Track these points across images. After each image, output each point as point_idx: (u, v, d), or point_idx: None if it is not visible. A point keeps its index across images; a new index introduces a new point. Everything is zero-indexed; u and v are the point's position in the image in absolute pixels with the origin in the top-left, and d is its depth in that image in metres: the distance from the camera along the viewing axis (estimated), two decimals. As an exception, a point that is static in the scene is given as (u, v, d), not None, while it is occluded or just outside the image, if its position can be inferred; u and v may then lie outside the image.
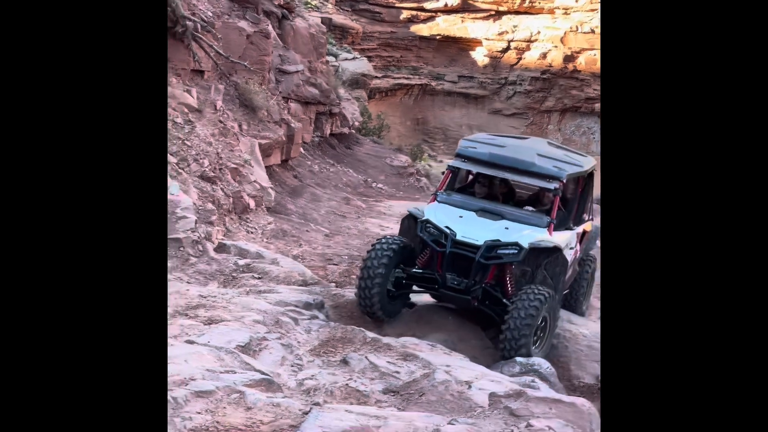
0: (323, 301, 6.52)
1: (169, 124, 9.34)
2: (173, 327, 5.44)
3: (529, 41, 26.42)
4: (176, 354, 4.73)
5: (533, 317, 5.72)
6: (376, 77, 22.62)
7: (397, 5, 26.00)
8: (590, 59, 25.07)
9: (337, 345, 5.75)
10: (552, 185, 6.25)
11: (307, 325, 5.93)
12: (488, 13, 26.74)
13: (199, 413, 3.98)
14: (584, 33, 25.24)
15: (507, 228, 6.08)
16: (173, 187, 8.21)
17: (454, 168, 6.85)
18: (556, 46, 25.86)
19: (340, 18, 22.46)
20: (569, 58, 26.11)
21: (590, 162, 7.24)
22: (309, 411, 4.12)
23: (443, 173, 7.21)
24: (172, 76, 10.34)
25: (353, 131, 16.99)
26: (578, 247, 7.09)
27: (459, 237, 5.95)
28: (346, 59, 18.29)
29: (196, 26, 10.14)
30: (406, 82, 26.41)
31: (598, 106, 23.62)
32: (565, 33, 25.69)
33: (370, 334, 6.18)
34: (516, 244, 5.94)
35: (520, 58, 27.35)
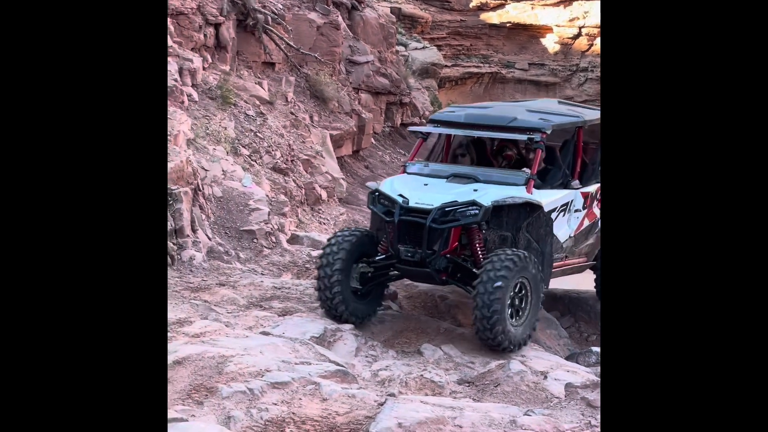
0: (396, 291, 6.63)
1: (241, 117, 9.74)
2: (248, 318, 5.72)
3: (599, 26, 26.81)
4: (251, 345, 4.95)
5: (502, 288, 5.27)
6: (446, 66, 23.34)
7: None
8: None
9: (411, 335, 5.91)
10: (534, 137, 5.89)
11: (381, 316, 6.05)
12: (559, 1, 27.55)
13: (275, 404, 4.21)
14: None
15: (476, 190, 5.70)
16: (246, 179, 8.50)
17: (423, 135, 6.58)
18: None
19: (409, 7, 23.22)
20: None
21: (592, 112, 6.80)
22: (384, 402, 4.32)
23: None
24: (243, 69, 10.80)
25: (424, 120, 17.32)
26: (596, 209, 6.64)
27: (411, 204, 5.62)
28: (416, 49, 18.76)
29: (266, 18, 10.65)
30: (476, 70, 26.99)
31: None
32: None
33: (444, 324, 6.23)
34: (474, 203, 5.53)
35: (591, 44, 27.44)
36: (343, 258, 5.68)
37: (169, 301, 6.19)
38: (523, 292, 5.48)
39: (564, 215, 6.14)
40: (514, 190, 5.72)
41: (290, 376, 4.45)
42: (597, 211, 6.60)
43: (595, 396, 4.50)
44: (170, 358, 4.58)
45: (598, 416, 4.34)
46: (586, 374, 4.96)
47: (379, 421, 4.02)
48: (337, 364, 4.72)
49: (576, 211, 6.31)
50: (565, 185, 6.19)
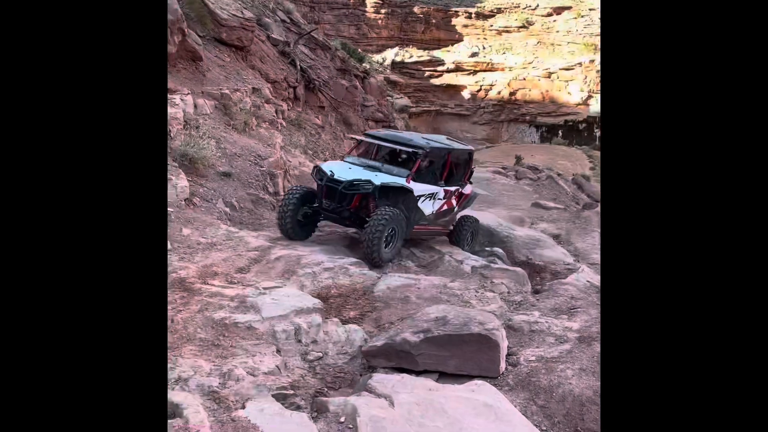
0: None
1: (307, 134, 14.89)
2: (312, 237, 8.28)
3: (491, 86, 48.13)
4: (314, 249, 7.20)
5: (381, 231, 7.17)
6: (412, 107, 39.40)
7: (422, 68, 47.14)
8: (523, 93, 46.77)
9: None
10: (418, 151, 7.93)
11: None
12: (470, 71, 47.72)
13: (326, 278, 6.43)
14: (521, 80, 46.96)
15: (376, 175, 7.67)
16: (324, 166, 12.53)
17: (357, 140, 9.01)
18: (505, 87, 47.36)
19: (393, 76, 41.35)
20: (513, 93, 47.78)
21: (461, 146, 9.10)
22: (380, 277, 6.63)
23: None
24: (308, 109, 16.71)
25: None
26: (453, 201, 8.77)
27: (335, 177, 7.58)
28: (397, 98, 29.29)
29: (320, 84, 17.86)
30: (428, 108, 46.51)
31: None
32: (509, 81, 47.51)
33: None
34: (369, 182, 7.50)
35: (486, 94, 48.60)
36: (294, 203, 7.82)
37: (266, 231, 8.58)
38: (393, 232, 7.46)
39: (430, 200, 8.30)
40: (398, 179, 7.72)
41: (333, 264, 6.79)
42: (454, 201, 8.83)
43: (486, 272, 7.14)
44: (271, 257, 6.94)
45: (488, 282, 6.86)
46: (482, 261, 7.57)
47: (379, 285, 6.33)
48: (357, 258, 7.19)
49: (438, 199, 8.45)
50: (435, 183, 8.32)
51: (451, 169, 8.73)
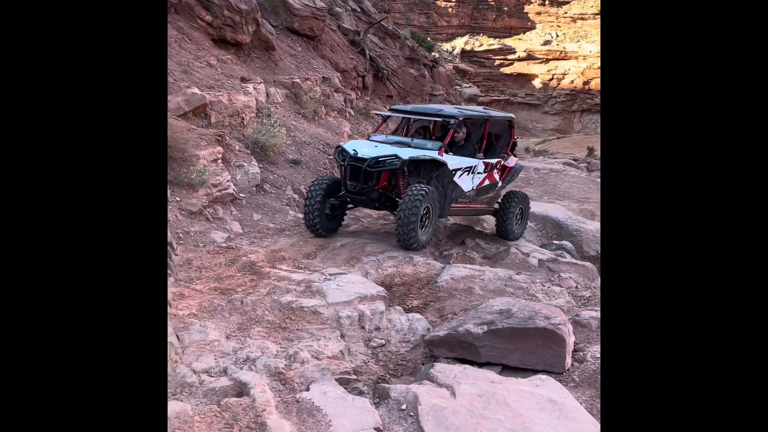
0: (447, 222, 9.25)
1: (372, 124, 14.53)
2: (377, 224, 8.39)
3: (564, 75, 48.16)
4: (380, 238, 7.34)
5: (417, 209, 6.57)
6: (481, 96, 38.87)
7: (492, 57, 47.49)
8: (597, 82, 43.69)
9: (461, 234, 8.28)
10: (450, 120, 7.36)
11: (445, 225, 8.12)
12: (542, 60, 47.72)
13: (390, 267, 6.50)
14: (595, 69, 45.53)
15: (405, 150, 7.08)
16: None
17: (384, 116, 8.42)
18: (578, 76, 47.13)
19: (463, 65, 41.05)
20: (586, 83, 47.26)
21: (500, 113, 8.43)
22: (444, 267, 6.58)
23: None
24: (376, 98, 16.75)
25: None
26: (495, 174, 8.13)
27: (359, 155, 6.95)
28: (465, 87, 29.16)
29: (388, 73, 18.07)
30: (496, 98, 45.54)
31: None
32: (583, 69, 47.32)
33: (477, 228, 8.58)
34: (396, 156, 6.84)
35: (558, 83, 47.64)
36: (321, 194, 7.18)
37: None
38: (428, 212, 6.88)
39: (469, 174, 7.65)
40: (430, 152, 7.14)
41: (397, 252, 6.85)
42: (496, 176, 8.18)
43: (554, 266, 6.99)
44: (337, 243, 7.08)
45: (556, 276, 6.77)
46: (549, 254, 7.38)
47: (442, 275, 6.22)
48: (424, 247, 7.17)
49: (478, 173, 7.81)
50: (472, 155, 7.73)
51: (490, 139, 8.14)
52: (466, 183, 7.65)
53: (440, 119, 7.48)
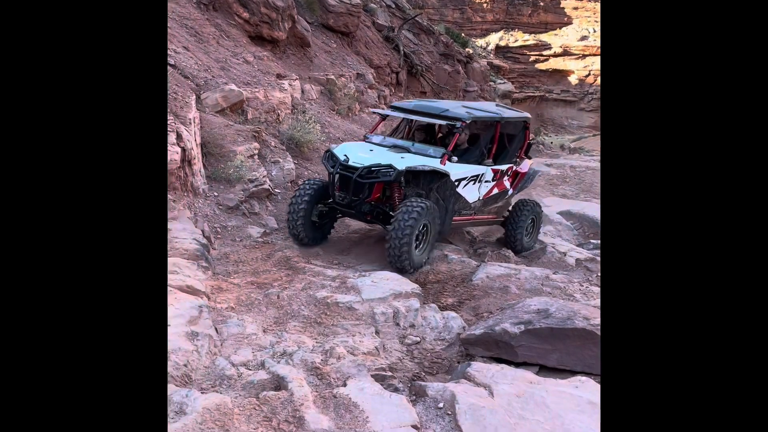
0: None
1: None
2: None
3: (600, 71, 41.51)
4: None
5: (411, 228, 5.84)
6: (516, 92, 38.43)
7: (527, 53, 45.43)
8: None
9: (495, 232, 8.19)
10: (455, 123, 6.48)
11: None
12: (579, 56, 45.19)
13: (427, 267, 6.46)
14: None
15: (403, 157, 6.23)
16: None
17: (382, 115, 7.40)
18: None
19: (496, 61, 39.33)
20: None
21: (514, 113, 7.33)
22: (479, 265, 6.51)
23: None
24: (410, 95, 16.68)
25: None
26: (506, 182, 7.25)
27: (350, 162, 6.17)
28: (500, 83, 28.55)
29: (422, 69, 17.77)
30: (531, 94, 44.36)
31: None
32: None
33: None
34: (391, 167, 6.02)
35: (595, 80, 45.12)
36: (307, 200, 6.46)
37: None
38: (425, 230, 6.12)
39: (475, 183, 6.77)
40: (431, 161, 6.28)
41: (438, 253, 6.72)
42: (507, 183, 7.30)
43: (592, 266, 6.88)
44: (371, 240, 7.00)
45: (593, 276, 6.65)
46: (587, 253, 7.28)
47: (477, 273, 6.15)
48: (456, 246, 7.26)
49: (486, 182, 6.93)
50: (480, 162, 6.84)
51: (501, 142, 7.25)
52: (472, 194, 6.85)
53: (445, 121, 6.64)
